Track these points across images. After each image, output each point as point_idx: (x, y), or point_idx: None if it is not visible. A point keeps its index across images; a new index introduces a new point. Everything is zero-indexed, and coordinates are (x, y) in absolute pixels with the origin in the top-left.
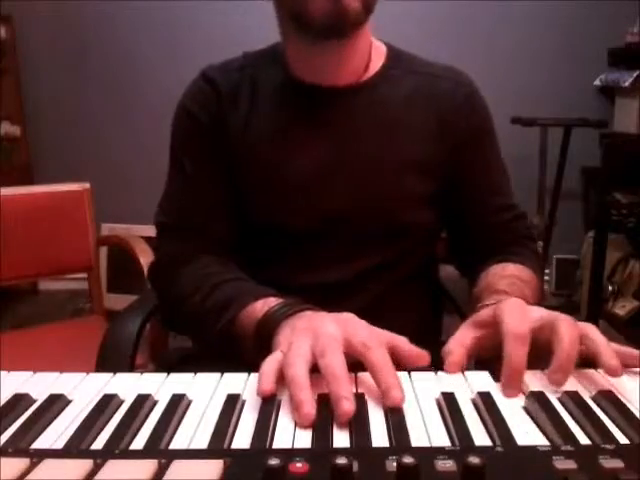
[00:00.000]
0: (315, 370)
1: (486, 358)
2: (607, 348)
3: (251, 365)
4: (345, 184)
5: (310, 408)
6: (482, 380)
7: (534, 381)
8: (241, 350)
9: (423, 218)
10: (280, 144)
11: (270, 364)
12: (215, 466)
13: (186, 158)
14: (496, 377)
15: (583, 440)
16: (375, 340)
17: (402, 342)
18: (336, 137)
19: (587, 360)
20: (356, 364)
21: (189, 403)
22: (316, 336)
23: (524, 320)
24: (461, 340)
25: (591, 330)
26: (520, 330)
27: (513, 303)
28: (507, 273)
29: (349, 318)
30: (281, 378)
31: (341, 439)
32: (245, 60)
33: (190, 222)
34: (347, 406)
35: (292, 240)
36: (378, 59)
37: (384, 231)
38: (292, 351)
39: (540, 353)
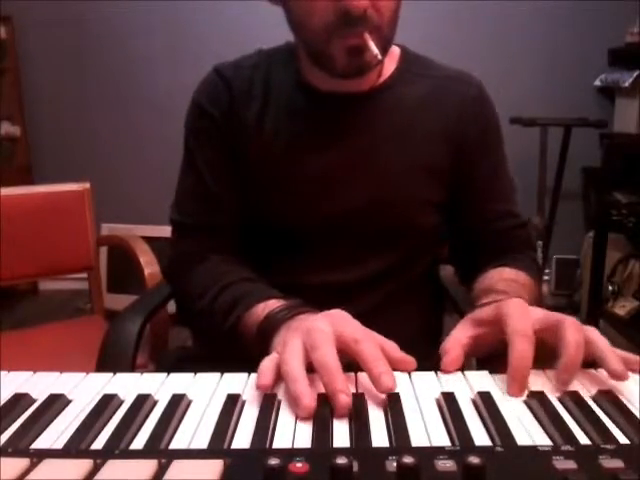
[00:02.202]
0: (312, 370)
1: (485, 357)
2: (612, 352)
3: (257, 363)
4: (356, 187)
5: (309, 400)
6: (482, 380)
7: (534, 381)
8: (247, 349)
9: (432, 221)
10: (292, 146)
11: (267, 362)
12: (215, 466)
13: (197, 154)
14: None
15: (583, 440)
16: (365, 334)
17: (391, 347)
18: (348, 141)
19: (588, 361)
20: (353, 365)
21: (189, 403)
22: (308, 332)
23: (528, 320)
24: (458, 339)
25: (593, 334)
26: (526, 329)
27: (516, 303)
28: (505, 276)
29: (338, 314)
30: (279, 378)
31: (341, 439)
32: (259, 58)
33: (201, 220)
34: (344, 399)
35: (302, 241)
36: (391, 62)
37: (394, 234)
38: (286, 349)
39: (544, 354)
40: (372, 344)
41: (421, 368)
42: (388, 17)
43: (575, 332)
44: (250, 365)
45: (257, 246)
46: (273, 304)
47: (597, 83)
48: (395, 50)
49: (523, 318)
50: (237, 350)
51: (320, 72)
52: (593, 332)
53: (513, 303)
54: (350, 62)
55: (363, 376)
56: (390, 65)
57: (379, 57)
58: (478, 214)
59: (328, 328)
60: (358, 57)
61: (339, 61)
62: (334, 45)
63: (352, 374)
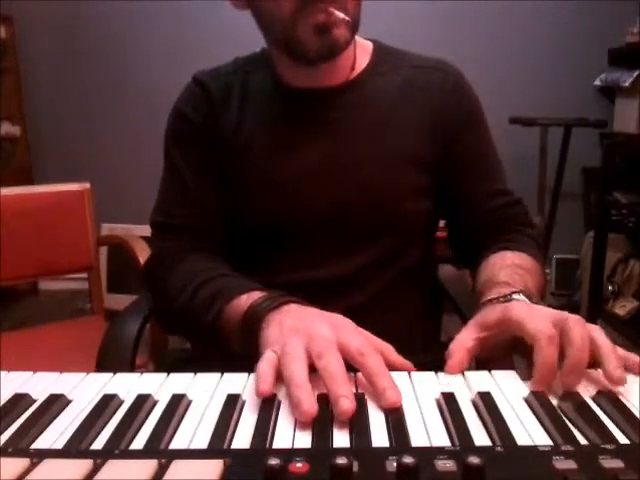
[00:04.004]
0: (312, 370)
1: (486, 358)
2: (612, 355)
3: (240, 356)
4: (340, 180)
5: (310, 405)
6: (482, 380)
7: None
8: (229, 344)
9: (420, 210)
10: (272, 145)
11: (266, 365)
12: (215, 466)
13: (179, 159)
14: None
15: (583, 440)
16: (369, 347)
17: (389, 350)
18: (328, 135)
19: (590, 362)
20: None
21: (189, 403)
22: (310, 337)
23: (545, 320)
24: (463, 342)
25: (597, 333)
26: (548, 330)
27: (521, 306)
28: (507, 263)
29: (340, 321)
30: (278, 378)
31: (341, 439)
32: (236, 65)
33: (182, 221)
34: (346, 404)
35: (290, 238)
36: (364, 57)
37: (381, 225)
38: (287, 352)
39: None
40: (377, 357)
41: (416, 364)
42: None
43: (580, 330)
44: (250, 365)
45: (244, 246)
46: (256, 294)
47: (597, 83)
48: (368, 45)
49: (540, 319)
50: (219, 346)
51: (294, 66)
52: (596, 331)
53: (518, 306)
54: (321, 42)
55: (363, 376)
56: (363, 59)
57: (347, 19)
58: (468, 196)
59: (331, 336)
60: (328, 35)
61: (310, 43)
62: (302, 27)
63: (352, 374)
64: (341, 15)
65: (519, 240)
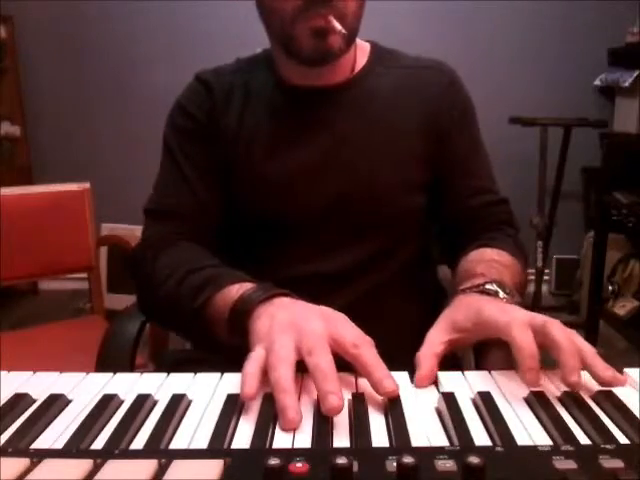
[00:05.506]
0: (301, 367)
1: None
2: (597, 359)
3: (224, 347)
4: (338, 177)
5: (294, 413)
6: (482, 380)
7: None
8: (214, 333)
9: (416, 205)
10: (273, 143)
11: (253, 364)
12: (215, 466)
13: (177, 152)
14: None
15: (583, 440)
16: (363, 339)
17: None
18: (327, 133)
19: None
20: (345, 363)
21: (189, 403)
22: (300, 333)
23: (521, 321)
24: (433, 348)
25: (577, 337)
26: (526, 331)
27: (496, 305)
28: (485, 258)
29: (332, 314)
30: (265, 378)
31: (341, 439)
32: (238, 65)
33: (173, 208)
34: (334, 401)
35: (288, 233)
36: (362, 58)
37: (378, 220)
38: (275, 352)
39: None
40: (371, 349)
41: (413, 364)
42: (353, 8)
43: (562, 331)
44: (224, 347)
45: (242, 241)
46: (248, 285)
47: (597, 83)
48: (365, 46)
49: (513, 319)
50: (202, 334)
51: (292, 64)
52: (576, 335)
53: (494, 306)
54: (316, 45)
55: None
56: (362, 59)
57: (343, 31)
58: (453, 192)
59: (322, 330)
60: (323, 40)
61: (305, 44)
62: (299, 27)
63: (352, 376)
64: (338, 27)
65: (499, 239)
